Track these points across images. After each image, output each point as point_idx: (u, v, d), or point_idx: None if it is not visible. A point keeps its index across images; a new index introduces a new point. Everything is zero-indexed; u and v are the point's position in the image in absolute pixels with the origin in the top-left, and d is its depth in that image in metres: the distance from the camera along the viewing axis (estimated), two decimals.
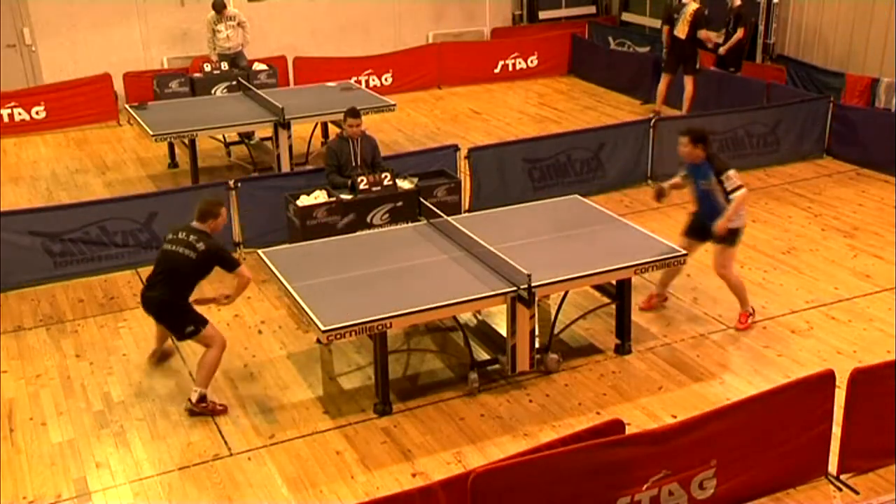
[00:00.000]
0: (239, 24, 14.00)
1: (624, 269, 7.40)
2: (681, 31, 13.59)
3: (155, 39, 15.40)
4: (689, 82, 13.60)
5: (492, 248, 7.32)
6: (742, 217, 7.91)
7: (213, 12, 13.92)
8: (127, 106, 12.53)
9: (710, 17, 15.93)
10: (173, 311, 7.08)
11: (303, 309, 6.78)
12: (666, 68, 14.08)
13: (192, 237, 7.01)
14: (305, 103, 12.15)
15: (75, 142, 13.78)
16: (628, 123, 11.82)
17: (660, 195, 8.21)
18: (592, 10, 18.60)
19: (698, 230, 8.03)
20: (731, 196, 7.65)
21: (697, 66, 13.74)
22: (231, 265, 7.09)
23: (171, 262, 7.03)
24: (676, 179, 8.20)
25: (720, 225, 7.70)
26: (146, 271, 9.35)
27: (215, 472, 6.48)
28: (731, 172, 7.69)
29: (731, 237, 7.86)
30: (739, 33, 13.79)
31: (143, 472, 6.51)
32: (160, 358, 7.87)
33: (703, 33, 13.47)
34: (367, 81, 15.57)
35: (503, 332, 7.40)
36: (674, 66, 13.85)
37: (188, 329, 7.05)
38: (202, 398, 7.08)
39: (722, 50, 13.97)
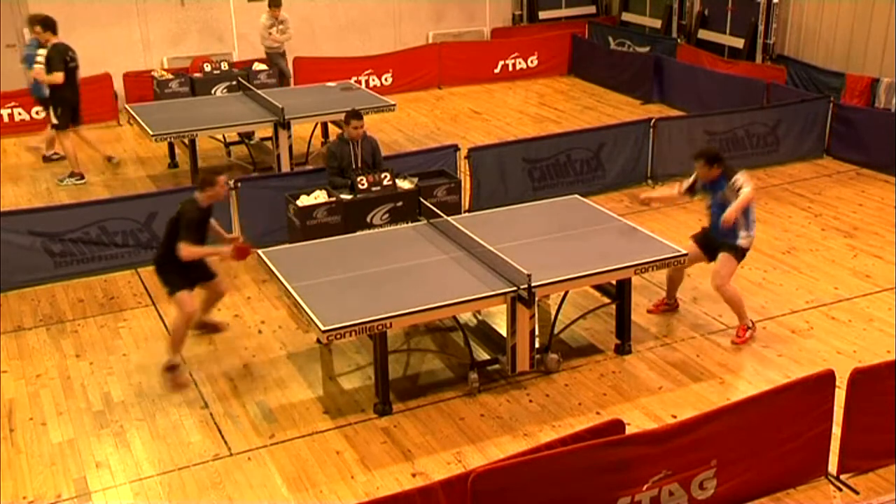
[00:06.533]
0: (287, 29, 14.41)
1: (624, 269, 7.40)
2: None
3: (155, 39, 15.40)
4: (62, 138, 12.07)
5: (492, 248, 7.31)
6: (751, 236, 7.76)
7: (266, 15, 14.25)
8: (127, 106, 12.53)
9: (708, 17, 16.06)
10: (160, 269, 7.60)
11: (303, 309, 6.78)
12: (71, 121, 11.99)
13: (183, 204, 7.45)
14: (305, 103, 12.15)
15: (75, 142, 13.74)
16: (628, 123, 11.82)
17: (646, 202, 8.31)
18: (592, 10, 18.61)
19: (705, 245, 7.95)
20: (741, 192, 7.52)
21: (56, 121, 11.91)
22: (177, 237, 7.29)
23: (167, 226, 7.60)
24: (667, 192, 8.10)
25: (729, 213, 7.49)
26: (146, 271, 9.43)
27: (215, 472, 6.48)
28: (739, 174, 7.62)
29: (737, 252, 7.76)
30: None
31: (143, 472, 6.51)
32: (204, 327, 8.19)
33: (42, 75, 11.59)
34: (367, 81, 15.58)
35: (503, 332, 7.40)
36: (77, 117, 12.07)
37: (167, 288, 7.52)
38: (170, 367, 7.50)
39: None
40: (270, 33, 14.25)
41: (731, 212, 7.53)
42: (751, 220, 7.74)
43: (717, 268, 7.85)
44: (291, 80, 14.74)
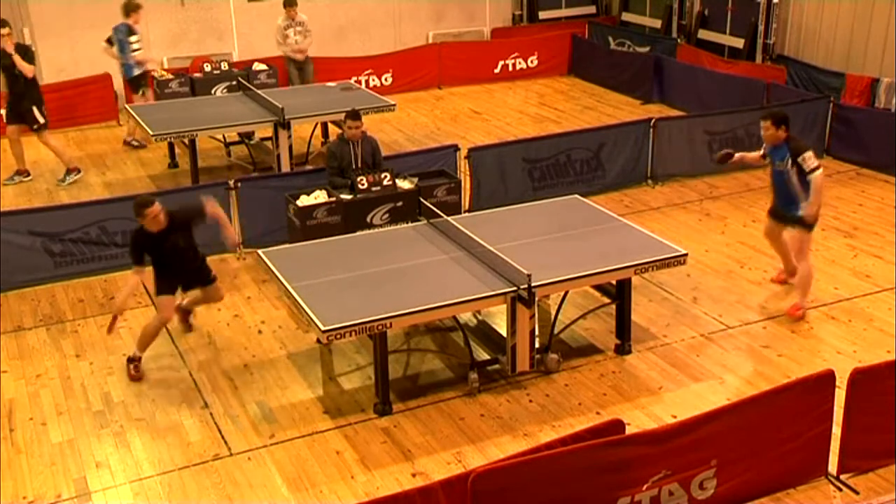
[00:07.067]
0: (306, 32, 13.83)
1: (624, 269, 7.40)
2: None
3: (155, 39, 15.39)
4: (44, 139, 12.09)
5: (492, 248, 7.31)
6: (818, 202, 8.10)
7: (282, 16, 13.78)
8: (127, 106, 12.54)
9: (708, 17, 16.06)
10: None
11: (303, 309, 6.78)
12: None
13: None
14: (305, 103, 12.15)
15: (75, 142, 13.78)
16: (628, 123, 11.81)
17: (724, 158, 8.55)
18: (592, 10, 18.60)
19: (778, 214, 8.37)
20: (810, 177, 7.85)
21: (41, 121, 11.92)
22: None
23: None
24: (753, 154, 8.53)
25: (808, 212, 7.94)
26: (146, 271, 9.40)
27: (215, 472, 6.49)
28: (808, 154, 7.90)
29: (803, 223, 8.09)
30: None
31: (143, 472, 6.51)
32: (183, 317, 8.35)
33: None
34: (367, 81, 15.57)
35: (503, 332, 7.40)
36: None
37: (154, 288, 7.76)
38: (132, 359, 7.70)
39: None
40: (286, 35, 13.74)
41: (810, 208, 7.91)
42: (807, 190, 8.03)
43: (791, 245, 8.32)
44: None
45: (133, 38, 12.68)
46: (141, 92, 13.10)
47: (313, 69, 14.22)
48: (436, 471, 6.40)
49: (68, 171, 12.11)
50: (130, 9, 12.77)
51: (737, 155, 8.61)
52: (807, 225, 8.05)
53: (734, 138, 11.88)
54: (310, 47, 14.01)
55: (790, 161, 7.91)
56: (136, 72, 12.97)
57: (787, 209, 8.16)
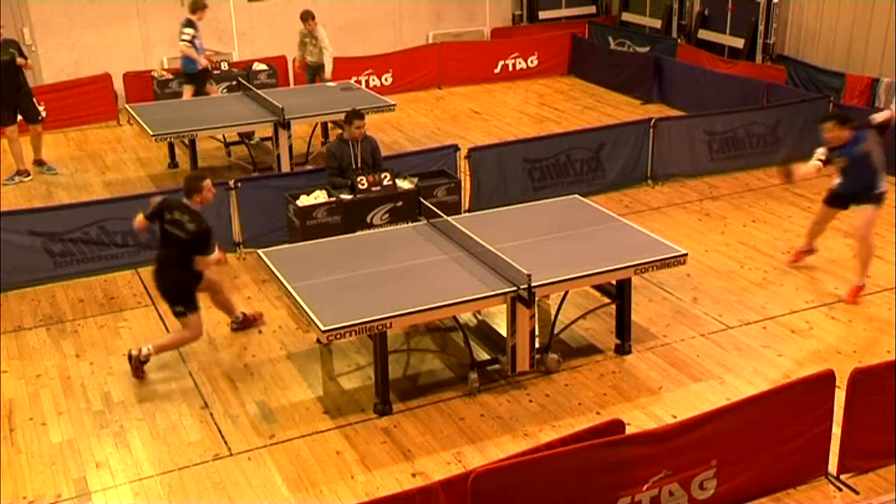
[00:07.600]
0: (322, 48, 13.52)
1: (624, 269, 7.40)
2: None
3: (155, 39, 15.40)
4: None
5: (492, 248, 7.31)
6: (886, 179, 8.46)
7: (302, 27, 13.63)
8: (127, 106, 12.54)
9: (708, 17, 16.06)
10: (176, 286, 7.55)
11: (303, 309, 6.78)
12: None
13: (184, 217, 7.38)
14: (305, 103, 12.15)
15: (75, 142, 13.78)
16: (628, 123, 11.81)
17: (788, 176, 8.61)
18: (592, 10, 18.61)
19: (840, 198, 8.60)
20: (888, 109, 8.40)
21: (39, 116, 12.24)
22: (203, 251, 7.42)
23: (172, 243, 7.49)
24: (808, 168, 8.48)
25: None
26: (146, 271, 9.40)
27: (215, 472, 6.49)
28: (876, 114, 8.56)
29: (879, 200, 8.38)
30: None
31: (143, 472, 6.51)
32: (244, 324, 8.34)
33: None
34: (367, 81, 15.57)
35: (503, 332, 7.40)
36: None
37: (178, 308, 7.54)
38: (145, 358, 7.55)
39: None
40: (304, 44, 13.55)
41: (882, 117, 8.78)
42: (882, 166, 8.35)
43: (860, 220, 8.44)
44: None
45: (187, 31, 12.66)
46: (186, 87, 13.12)
47: (325, 75, 14.14)
48: (436, 471, 6.40)
49: (48, 165, 12.41)
50: (197, 6, 12.86)
51: (797, 174, 8.54)
52: (880, 201, 8.37)
53: (734, 138, 11.91)
54: (326, 62, 13.58)
55: (868, 142, 8.18)
56: (197, 67, 12.86)
57: (866, 192, 8.33)
